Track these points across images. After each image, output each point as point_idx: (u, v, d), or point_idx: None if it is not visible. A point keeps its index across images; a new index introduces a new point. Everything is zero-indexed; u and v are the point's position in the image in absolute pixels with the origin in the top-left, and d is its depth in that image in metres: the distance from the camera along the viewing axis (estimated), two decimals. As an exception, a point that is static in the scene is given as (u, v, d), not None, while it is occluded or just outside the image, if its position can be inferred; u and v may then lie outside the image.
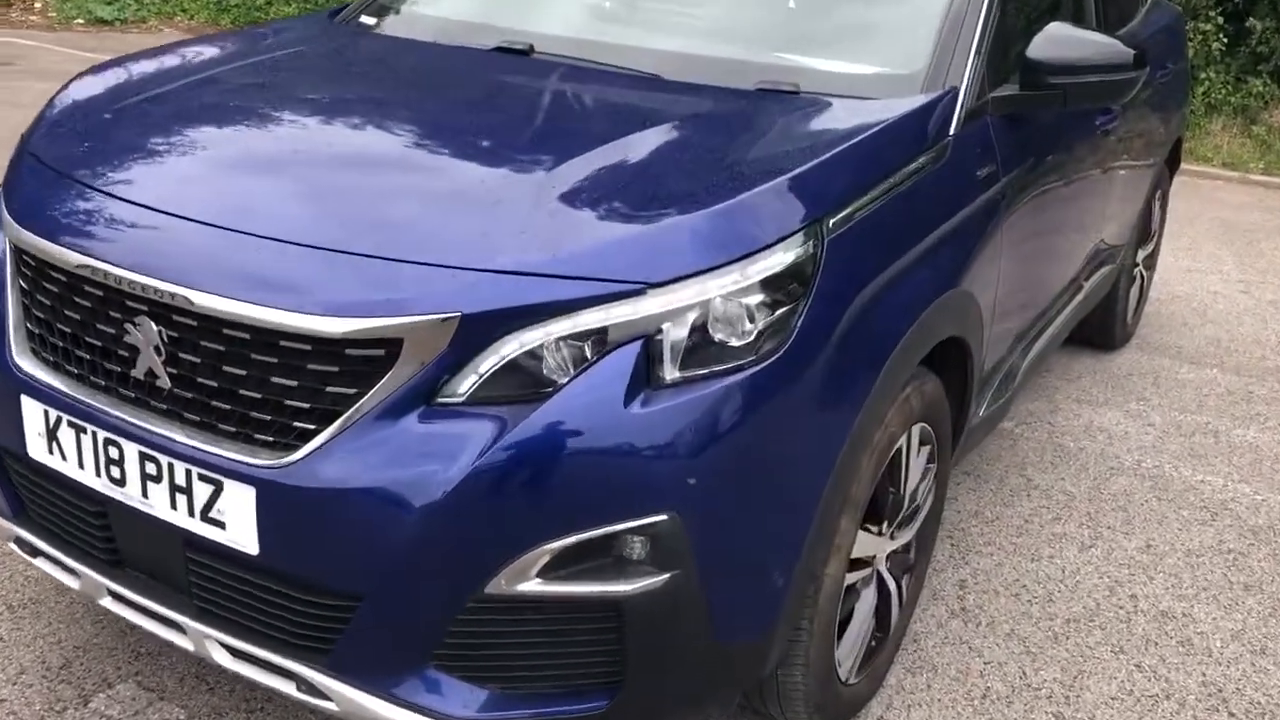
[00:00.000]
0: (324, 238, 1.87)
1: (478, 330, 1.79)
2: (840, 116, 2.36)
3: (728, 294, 1.86)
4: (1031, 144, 2.88)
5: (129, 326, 1.95)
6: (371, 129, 2.31)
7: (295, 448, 1.82)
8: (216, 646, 2.01)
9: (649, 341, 1.81)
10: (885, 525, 2.42)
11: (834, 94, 2.46)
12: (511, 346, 1.80)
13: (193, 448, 1.89)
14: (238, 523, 1.87)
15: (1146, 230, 4.75)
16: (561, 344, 1.80)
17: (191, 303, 1.86)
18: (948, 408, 2.57)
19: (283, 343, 1.82)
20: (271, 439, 1.85)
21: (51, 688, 2.47)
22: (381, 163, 2.10)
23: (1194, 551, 3.35)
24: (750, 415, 1.86)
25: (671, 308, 1.82)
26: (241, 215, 1.94)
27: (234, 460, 1.85)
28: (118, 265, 1.93)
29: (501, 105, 2.45)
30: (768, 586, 1.99)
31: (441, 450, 1.78)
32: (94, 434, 1.99)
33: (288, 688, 1.96)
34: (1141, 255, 4.78)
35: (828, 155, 2.12)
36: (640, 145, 2.14)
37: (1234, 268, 6.29)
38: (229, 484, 1.86)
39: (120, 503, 2.00)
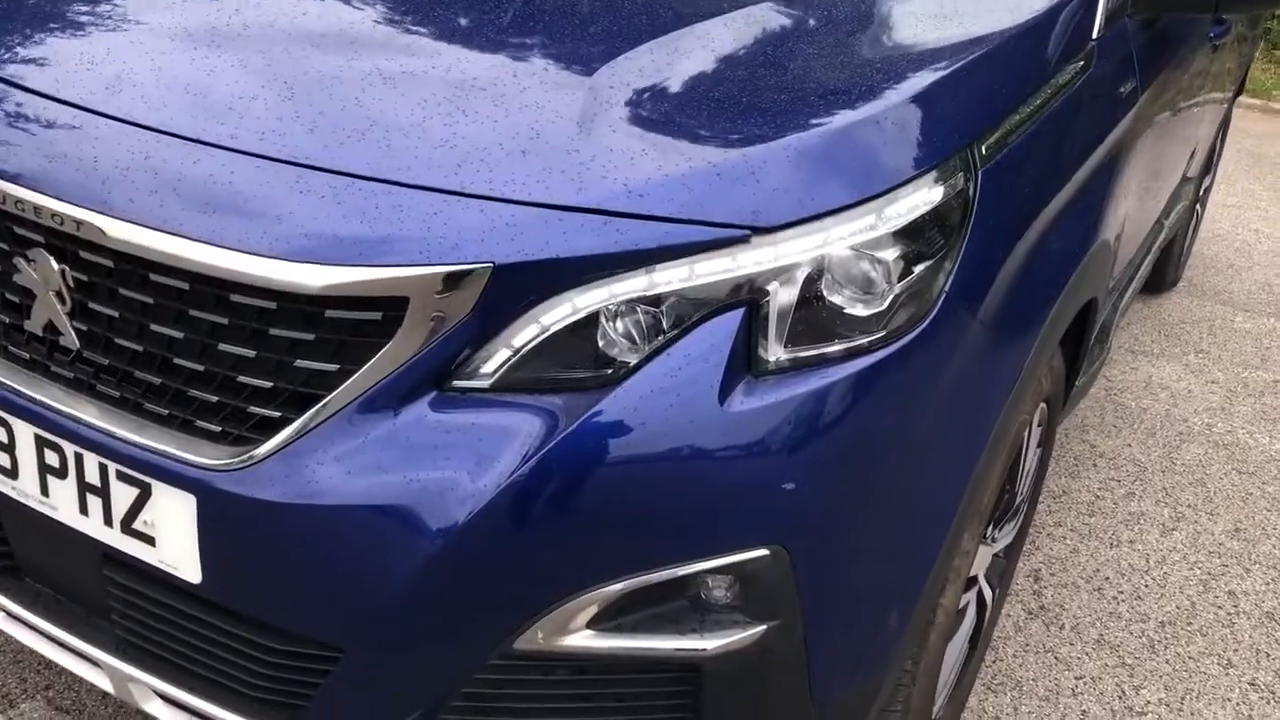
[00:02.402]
0: (297, 148, 1.32)
1: (514, 287, 1.26)
2: (969, 7, 1.83)
3: (859, 245, 1.34)
4: (1161, 55, 2.36)
5: (20, 262, 1.40)
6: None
7: (252, 443, 1.30)
8: (145, 691, 1.51)
9: (751, 309, 1.30)
10: (991, 529, 1.95)
11: (949, -21, 1.92)
12: (560, 312, 1.28)
13: (107, 434, 1.36)
14: (172, 541, 1.36)
15: (1210, 160, 4.27)
16: (633, 309, 1.29)
17: (104, 234, 1.31)
18: (1064, 380, 2.09)
19: (235, 297, 1.29)
20: (218, 429, 1.33)
21: (-62, 705, 1.96)
22: (382, 46, 1.52)
23: (1288, 537, 2.93)
24: (883, 412, 1.35)
25: (782, 263, 1.30)
26: (179, 111, 1.38)
27: (165, 456, 1.33)
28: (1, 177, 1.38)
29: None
30: (881, 631, 1.51)
31: (461, 453, 1.26)
32: (-28, 407, 1.46)
33: (242, 753, 1.47)
34: (1202, 189, 4.31)
35: (970, 58, 1.59)
36: (724, 34, 1.60)
37: (1271, 204, 5.86)
38: (158, 488, 1.34)
39: (12, 499, 1.48)
